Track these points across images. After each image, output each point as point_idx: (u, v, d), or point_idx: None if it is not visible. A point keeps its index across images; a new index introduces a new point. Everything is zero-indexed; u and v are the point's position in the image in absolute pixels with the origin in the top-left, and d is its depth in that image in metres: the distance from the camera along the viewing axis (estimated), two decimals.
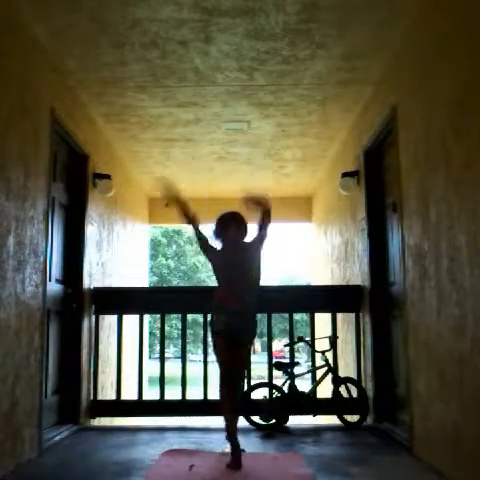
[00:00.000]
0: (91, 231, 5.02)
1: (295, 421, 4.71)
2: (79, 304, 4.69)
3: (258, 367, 7.63)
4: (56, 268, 4.36)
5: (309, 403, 4.73)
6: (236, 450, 3.36)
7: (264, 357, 4.36)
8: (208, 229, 3.81)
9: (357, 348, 4.97)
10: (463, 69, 2.86)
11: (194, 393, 5.16)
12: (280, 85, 4.57)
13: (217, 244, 3.73)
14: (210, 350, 4.07)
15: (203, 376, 4.92)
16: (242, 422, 4.03)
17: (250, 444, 3.91)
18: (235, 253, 3.63)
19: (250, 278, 3.59)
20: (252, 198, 3.59)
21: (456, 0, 3.01)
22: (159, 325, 5.66)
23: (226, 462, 3.32)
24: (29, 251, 3.56)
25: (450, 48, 3.03)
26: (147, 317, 7.08)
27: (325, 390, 4.92)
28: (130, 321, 5.36)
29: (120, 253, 6.42)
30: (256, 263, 3.61)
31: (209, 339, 5.08)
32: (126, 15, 3.53)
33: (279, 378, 4.87)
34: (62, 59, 4.06)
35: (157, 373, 5.06)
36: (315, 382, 4.88)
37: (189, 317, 5.23)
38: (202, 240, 3.71)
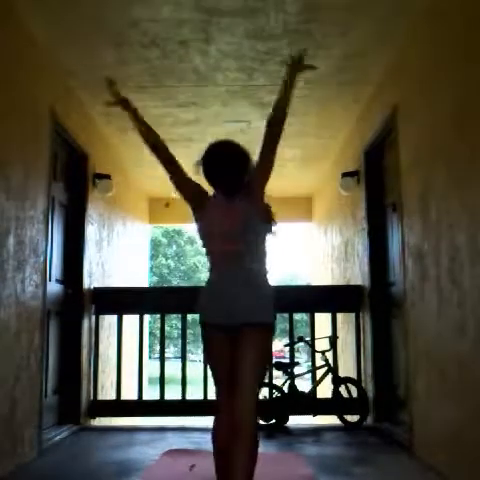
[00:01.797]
0: (91, 231, 5.02)
1: (295, 421, 4.71)
2: (79, 304, 4.69)
3: None
4: (56, 268, 4.36)
5: (309, 403, 4.74)
6: None
7: None
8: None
9: (357, 348, 4.97)
10: (464, 68, 2.86)
11: (194, 393, 5.16)
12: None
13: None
14: None
15: (203, 376, 4.91)
16: None
17: None
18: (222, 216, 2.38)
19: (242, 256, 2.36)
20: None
21: (457, 0, 3.01)
22: (159, 325, 5.66)
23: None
24: (29, 251, 3.55)
25: (451, 47, 3.03)
26: (147, 317, 7.07)
27: (325, 390, 4.92)
28: (130, 321, 5.36)
29: (120, 253, 6.41)
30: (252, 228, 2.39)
31: None
32: (126, 15, 3.53)
33: (279, 378, 4.87)
34: (62, 59, 4.06)
35: (157, 373, 5.06)
36: (315, 382, 4.88)
37: (189, 317, 5.22)
38: (176, 173, 2.48)
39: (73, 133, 4.49)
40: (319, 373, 4.89)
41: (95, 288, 5.07)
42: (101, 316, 5.12)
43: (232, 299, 2.28)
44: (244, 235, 2.36)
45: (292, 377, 4.71)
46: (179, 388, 4.94)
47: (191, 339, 22.78)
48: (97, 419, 4.95)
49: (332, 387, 4.73)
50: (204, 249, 2.50)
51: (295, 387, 4.70)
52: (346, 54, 4.05)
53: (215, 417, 2.45)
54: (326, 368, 4.80)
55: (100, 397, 5.02)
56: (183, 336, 5.17)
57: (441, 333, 3.14)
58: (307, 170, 7.04)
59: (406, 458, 3.54)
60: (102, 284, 5.36)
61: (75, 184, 4.76)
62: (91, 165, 4.99)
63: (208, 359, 2.42)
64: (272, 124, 2.40)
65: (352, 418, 4.63)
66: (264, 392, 4.66)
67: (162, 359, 5.12)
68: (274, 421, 4.50)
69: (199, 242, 2.53)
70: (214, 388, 2.42)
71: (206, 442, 4.03)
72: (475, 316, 2.70)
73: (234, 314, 2.26)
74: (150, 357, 12.53)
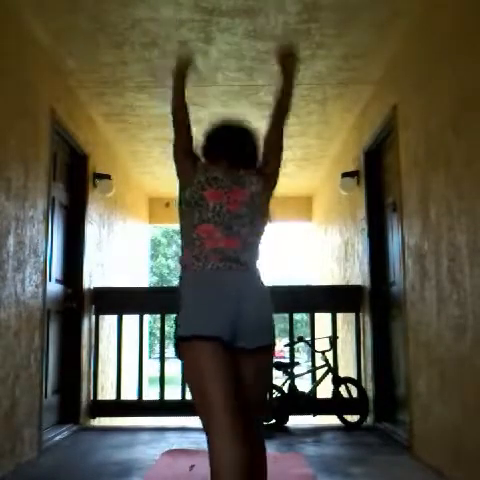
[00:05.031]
0: (91, 231, 5.02)
1: (295, 421, 4.71)
2: (79, 304, 4.69)
3: None
4: (56, 268, 4.36)
5: (309, 403, 4.74)
6: None
7: None
8: None
9: (357, 348, 4.97)
10: (463, 69, 2.86)
11: None
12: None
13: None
14: None
15: None
16: None
17: None
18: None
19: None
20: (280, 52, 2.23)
21: (456, 0, 3.01)
22: (159, 325, 5.66)
23: None
24: (29, 251, 3.55)
25: (450, 48, 3.03)
26: (147, 317, 7.08)
27: (325, 390, 4.92)
28: (130, 321, 5.36)
29: (120, 253, 6.41)
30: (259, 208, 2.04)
31: None
32: (126, 15, 3.53)
33: (279, 378, 4.87)
34: (62, 59, 4.06)
35: (157, 373, 5.06)
36: (315, 382, 4.88)
37: None
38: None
39: (73, 133, 4.49)
40: (319, 373, 4.89)
41: (95, 288, 5.07)
42: (101, 316, 5.12)
43: (244, 316, 1.87)
44: (250, 218, 1.98)
45: (292, 377, 4.71)
46: (179, 388, 4.94)
47: None
48: (97, 419, 4.96)
49: (332, 387, 4.73)
50: (186, 229, 2.05)
51: (295, 387, 4.70)
52: (346, 54, 4.05)
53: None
54: (326, 368, 4.80)
55: (100, 397, 5.02)
56: None
57: (441, 333, 3.14)
58: (307, 170, 7.04)
59: (406, 458, 3.54)
60: (102, 284, 5.36)
61: (75, 184, 4.76)
62: (91, 165, 4.99)
63: (199, 379, 1.82)
64: (280, 99, 2.16)
65: (352, 418, 4.63)
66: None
67: (162, 359, 5.12)
68: (274, 421, 4.50)
69: (180, 219, 2.12)
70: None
71: (206, 442, 4.02)
72: (475, 316, 2.70)
73: (244, 336, 1.87)
74: (150, 357, 12.52)
